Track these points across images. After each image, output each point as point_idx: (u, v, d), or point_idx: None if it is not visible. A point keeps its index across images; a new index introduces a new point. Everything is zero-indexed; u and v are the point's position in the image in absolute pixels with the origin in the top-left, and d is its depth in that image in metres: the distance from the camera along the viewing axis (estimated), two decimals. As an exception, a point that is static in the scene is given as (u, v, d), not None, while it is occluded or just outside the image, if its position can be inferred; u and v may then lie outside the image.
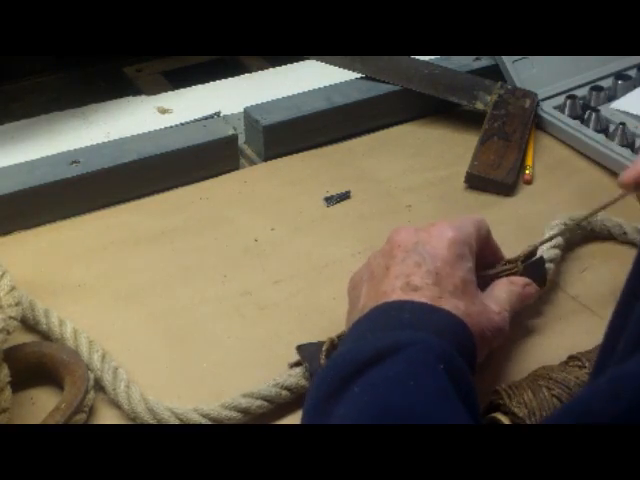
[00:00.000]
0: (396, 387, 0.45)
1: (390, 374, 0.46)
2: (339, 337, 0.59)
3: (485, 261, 0.61)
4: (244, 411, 0.56)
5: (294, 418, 0.58)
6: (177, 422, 0.56)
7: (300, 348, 0.60)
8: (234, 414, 0.56)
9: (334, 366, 0.48)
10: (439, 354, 0.47)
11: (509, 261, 0.63)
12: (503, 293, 0.59)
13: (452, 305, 0.53)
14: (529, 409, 0.51)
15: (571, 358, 0.56)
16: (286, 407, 0.58)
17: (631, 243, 0.73)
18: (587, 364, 0.55)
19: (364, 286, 0.57)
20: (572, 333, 0.65)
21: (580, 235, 0.74)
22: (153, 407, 0.56)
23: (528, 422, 0.50)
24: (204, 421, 0.56)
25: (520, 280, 0.61)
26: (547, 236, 0.69)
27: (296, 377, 0.58)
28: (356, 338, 0.52)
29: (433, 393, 0.45)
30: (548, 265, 0.67)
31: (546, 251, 0.68)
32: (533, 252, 0.65)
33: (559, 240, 0.70)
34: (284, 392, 0.57)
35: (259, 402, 0.57)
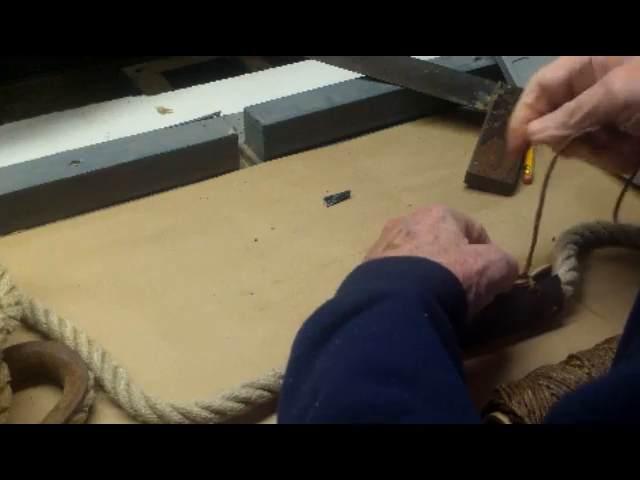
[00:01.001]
0: (378, 340, 0.45)
1: (371, 325, 0.46)
2: None
3: None
4: (245, 401, 0.57)
5: None
6: (179, 417, 0.56)
7: None
8: (235, 405, 0.56)
9: (316, 317, 0.49)
10: (419, 301, 0.48)
11: (519, 276, 0.61)
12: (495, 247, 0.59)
13: (427, 252, 0.53)
14: (529, 408, 0.51)
15: (571, 357, 0.56)
16: None
17: (633, 245, 0.73)
18: (587, 363, 0.55)
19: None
20: (572, 333, 0.65)
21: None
22: (154, 403, 0.56)
23: (528, 421, 0.50)
24: (206, 414, 0.56)
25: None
26: (561, 255, 0.68)
27: None
28: (339, 292, 0.53)
29: (417, 345, 0.45)
30: (566, 288, 0.65)
31: (563, 274, 0.66)
32: (547, 271, 0.64)
33: (573, 262, 0.68)
34: (281, 381, 0.57)
35: (259, 392, 0.57)
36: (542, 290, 0.62)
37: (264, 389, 0.57)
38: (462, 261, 0.53)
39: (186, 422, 0.56)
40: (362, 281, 0.53)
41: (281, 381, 0.57)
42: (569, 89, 0.63)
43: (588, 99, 0.59)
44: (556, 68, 0.63)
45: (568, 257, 0.68)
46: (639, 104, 0.57)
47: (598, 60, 0.62)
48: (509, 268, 0.56)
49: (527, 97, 0.63)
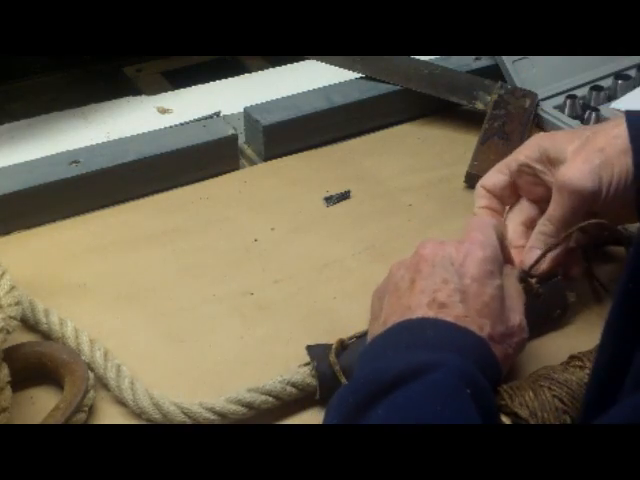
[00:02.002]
0: (423, 413, 0.44)
1: (416, 398, 0.45)
2: (350, 339, 0.59)
3: None
4: (248, 405, 0.56)
5: (302, 417, 0.58)
6: (182, 416, 0.56)
7: (309, 348, 0.59)
8: (239, 408, 0.56)
9: (356, 386, 0.47)
10: (465, 377, 0.46)
11: (524, 276, 0.60)
12: (515, 293, 0.57)
13: (478, 325, 0.51)
14: (530, 410, 0.51)
15: (572, 358, 0.56)
16: (294, 406, 0.58)
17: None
18: (588, 364, 0.54)
19: (386, 298, 0.55)
20: (573, 333, 0.65)
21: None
22: (158, 402, 0.56)
23: (531, 422, 0.50)
24: (208, 414, 0.56)
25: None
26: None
27: (303, 374, 0.58)
28: (378, 355, 0.50)
29: (460, 422, 0.43)
30: (570, 293, 0.64)
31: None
32: (553, 273, 0.63)
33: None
34: (289, 388, 0.57)
35: (264, 397, 0.57)
36: (545, 293, 0.61)
37: (269, 395, 0.57)
38: (502, 345, 0.53)
39: (189, 422, 0.56)
40: (404, 345, 0.50)
41: (288, 388, 0.57)
42: (513, 188, 0.66)
43: (558, 210, 0.61)
44: (496, 173, 0.66)
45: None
46: (604, 187, 0.59)
47: (533, 157, 0.64)
48: (524, 345, 0.56)
49: (479, 203, 0.66)
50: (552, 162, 0.63)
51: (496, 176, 0.66)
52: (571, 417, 0.51)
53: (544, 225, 0.62)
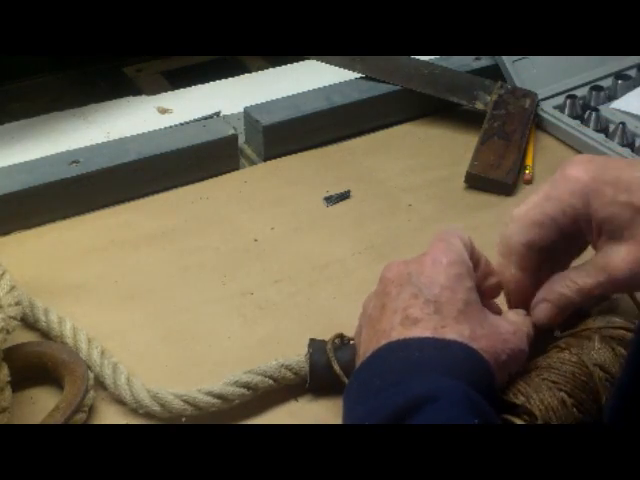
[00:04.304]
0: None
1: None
2: (352, 339, 0.59)
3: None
4: (246, 386, 0.57)
5: (302, 405, 0.59)
6: (181, 404, 0.56)
7: (312, 340, 0.60)
8: (237, 389, 0.57)
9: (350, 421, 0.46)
10: (469, 405, 0.44)
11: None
12: (518, 315, 0.55)
13: (456, 332, 0.49)
14: (525, 395, 0.51)
15: (554, 347, 0.56)
16: (293, 389, 0.60)
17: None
18: (563, 345, 0.54)
19: (363, 331, 0.53)
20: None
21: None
22: (156, 394, 0.57)
23: (541, 419, 0.50)
24: (208, 398, 0.56)
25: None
26: None
27: (298, 360, 0.59)
28: (365, 390, 0.48)
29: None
30: None
31: None
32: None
33: None
34: (284, 370, 0.58)
35: (260, 378, 0.58)
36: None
37: (265, 376, 0.58)
38: (492, 350, 0.49)
39: (189, 409, 0.56)
40: (390, 373, 0.47)
41: (284, 370, 0.58)
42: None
43: (592, 287, 0.54)
44: (533, 228, 0.56)
45: None
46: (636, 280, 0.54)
47: (579, 209, 0.54)
48: (523, 357, 0.53)
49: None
50: (601, 230, 0.54)
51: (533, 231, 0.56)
52: (566, 392, 0.51)
53: (567, 287, 0.55)
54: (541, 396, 0.51)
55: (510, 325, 0.52)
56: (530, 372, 0.53)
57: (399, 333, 0.49)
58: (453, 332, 0.49)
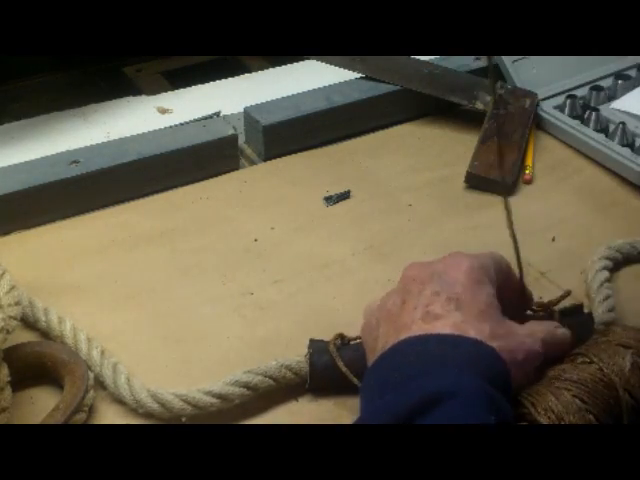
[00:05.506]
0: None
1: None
2: (354, 339, 0.59)
3: (509, 303, 0.56)
4: (245, 385, 0.57)
5: (302, 405, 0.59)
6: (181, 404, 0.56)
7: (312, 341, 0.60)
8: (237, 389, 0.57)
9: (367, 415, 0.46)
10: (487, 402, 0.44)
11: (540, 305, 0.59)
12: (535, 325, 0.55)
13: (477, 330, 0.50)
14: (556, 414, 0.50)
15: (576, 355, 0.55)
16: (293, 389, 0.60)
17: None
18: (595, 359, 0.54)
19: (381, 326, 0.53)
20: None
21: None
22: (156, 393, 0.57)
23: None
24: (208, 398, 0.56)
25: (556, 330, 0.56)
26: (597, 295, 0.65)
27: (298, 360, 0.59)
28: (384, 383, 0.48)
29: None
30: (599, 327, 0.61)
31: (600, 315, 0.63)
32: (579, 308, 0.61)
33: (612, 302, 0.65)
34: (284, 370, 0.58)
35: (260, 377, 0.58)
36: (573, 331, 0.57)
37: (265, 375, 0.58)
38: (508, 349, 0.50)
39: (189, 409, 0.56)
40: (409, 367, 0.48)
41: (284, 370, 0.58)
42: None
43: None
44: None
45: (607, 298, 0.65)
46: None
47: None
48: (538, 358, 0.53)
49: None
50: None
51: None
52: (594, 414, 0.51)
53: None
54: (571, 418, 0.50)
55: (526, 329, 0.53)
56: (558, 382, 0.52)
57: (419, 327, 0.50)
58: (474, 330, 0.50)
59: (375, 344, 0.53)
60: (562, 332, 0.56)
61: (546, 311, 0.60)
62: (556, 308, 0.60)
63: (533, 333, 0.53)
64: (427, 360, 0.48)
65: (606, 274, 0.68)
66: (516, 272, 0.57)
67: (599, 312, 0.64)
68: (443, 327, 0.50)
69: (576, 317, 0.60)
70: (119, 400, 0.58)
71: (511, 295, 0.56)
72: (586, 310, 0.63)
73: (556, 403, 0.51)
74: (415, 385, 0.46)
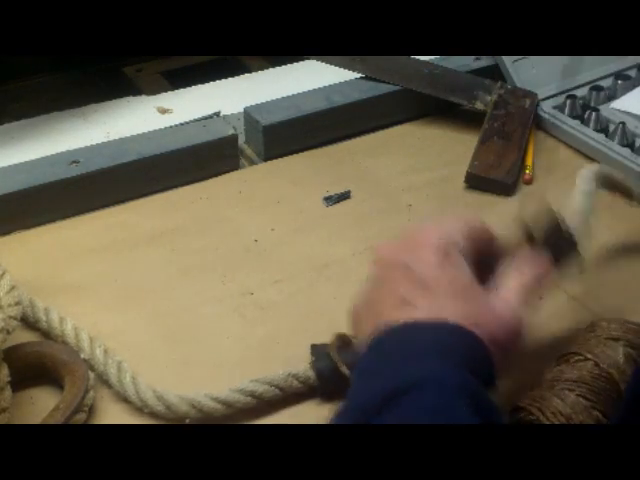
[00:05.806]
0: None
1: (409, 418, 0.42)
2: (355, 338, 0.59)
3: (487, 260, 0.55)
4: (251, 394, 0.57)
5: (307, 409, 0.59)
6: (186, 407, 0.56)
7: (313, 346, 0.60)
8: (242, 397, 0.57)
9: (341, 411, 0.46)
10: (459, 391, 0.43)
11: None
12: (512, 287, 0.52)
13: (450, 310, 0.48)
14: (565, 416, 0.50)
15: (570, 354, 0.55)
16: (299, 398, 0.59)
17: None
18: (589, 356, 0.54)
19: (364, 316, 0.53)
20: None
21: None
22: (162, 394, 0.57)
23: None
24: (213, 404, 0.56)
25: (529, 266, 0.54)
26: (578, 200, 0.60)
27: (304, 368, 0.59)
28: (363, 378, 0.48)
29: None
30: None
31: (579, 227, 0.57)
32: (557, 228, 0.56)
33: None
34: (291, 379, 0.58)
35: (265, 387, 0.58)
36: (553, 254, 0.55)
37: (271, 385, 0.58)
38: (487, 329, 0.48)
39: (193, 412, 0.56)
40: (385, 358, 0.47)
41: (291, 379, 0.58)
42: None
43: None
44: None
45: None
46: None
47: None
48: (519, 339, 0.51)
49: None
50: None
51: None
52: (600, 411, 0.51)
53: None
54: (581, 418, 0.50)
55: (505, 304, 0.51)
56: (559, 384, 0.52)
57: (392, 316, 0.49)
58: (447, 310, 0.49)
59: (365, 334, 0.52)
60: (541, 271, 0.54)
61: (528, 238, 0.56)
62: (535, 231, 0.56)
63: (512, 308, 0.51)
64: (402, 351, 0.47)
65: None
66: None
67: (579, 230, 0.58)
68: (414, 313, 0.49)
69: (556, 238, 0.56)
70: (122, 399, 0.58)
71: (487, 250, 0.55)
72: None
73: (563, 405, 0.51)
74: (389, 374, 0.46)
